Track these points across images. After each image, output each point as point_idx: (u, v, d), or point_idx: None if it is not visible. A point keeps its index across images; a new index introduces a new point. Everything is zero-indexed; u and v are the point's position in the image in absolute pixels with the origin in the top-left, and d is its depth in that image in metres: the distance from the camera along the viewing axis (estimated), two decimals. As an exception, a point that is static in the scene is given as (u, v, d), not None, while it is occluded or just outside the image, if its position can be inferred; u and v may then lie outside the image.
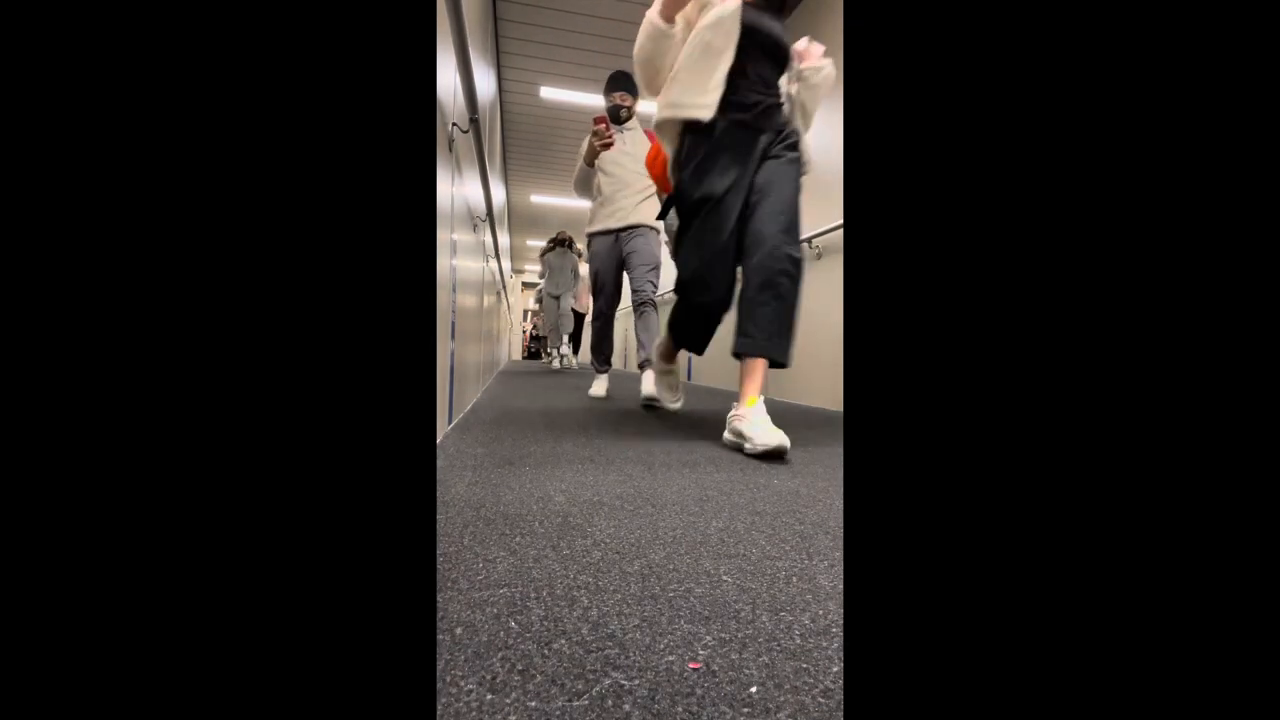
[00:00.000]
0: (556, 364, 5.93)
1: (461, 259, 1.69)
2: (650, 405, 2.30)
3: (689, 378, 4.77)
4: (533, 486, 0.96)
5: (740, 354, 1.36)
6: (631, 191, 2.54)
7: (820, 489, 1.02)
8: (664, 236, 2.53)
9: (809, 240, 2.83)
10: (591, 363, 2.85)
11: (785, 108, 1.47)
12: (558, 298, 5.93)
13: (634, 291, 2.54)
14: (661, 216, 1.76)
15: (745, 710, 0.37)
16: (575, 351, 6.82)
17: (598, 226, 2.59)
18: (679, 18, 1.36)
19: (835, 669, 0.43)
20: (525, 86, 4.47)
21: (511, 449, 1.29)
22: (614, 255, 2.60)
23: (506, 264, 6.89)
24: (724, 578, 0.60)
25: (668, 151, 1.50)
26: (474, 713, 0.36)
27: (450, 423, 1.58)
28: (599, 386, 2.79)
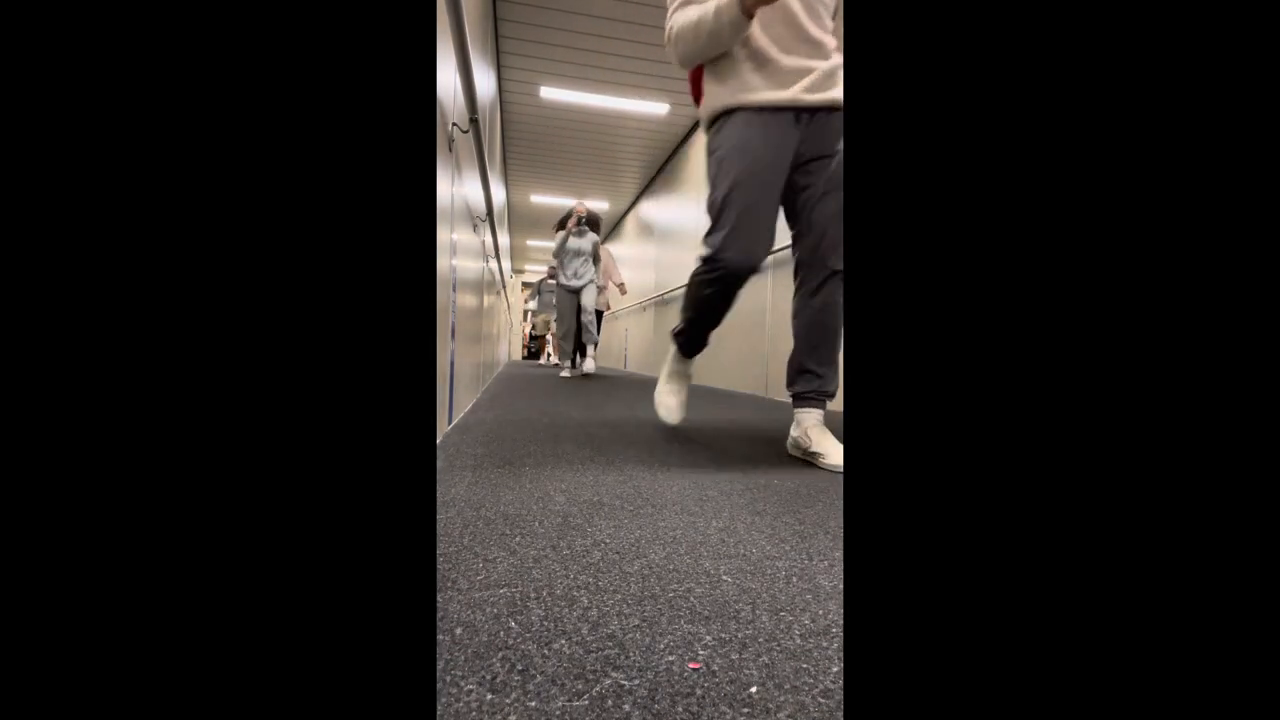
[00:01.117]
0: (566, 372, 4.67)
1: (461, 259, 1.69)
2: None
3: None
4: (533, 486, 0.96)
5: None
6: (806, 44, 1.22)
7: (820, 489, 1.02)
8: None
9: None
10: (676, 363, 1.48)
11: None
12: (576, 291, 4.47)
13: (822, 240, 1.23)
14: None
15: (745, 710, 0.37)
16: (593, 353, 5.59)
17: (752, 98, 1.22)
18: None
19: (835, 669, 0.43)
20: (525, 86, 4.47)
21: (511, 449, 1.29)
22: (781, 151, 1.22)
23: (506, 264, 6.72)
24: (724, 578, 0.60)
25: None
26: (474, 713, 0.36)
27: (450, 423, 1.58)
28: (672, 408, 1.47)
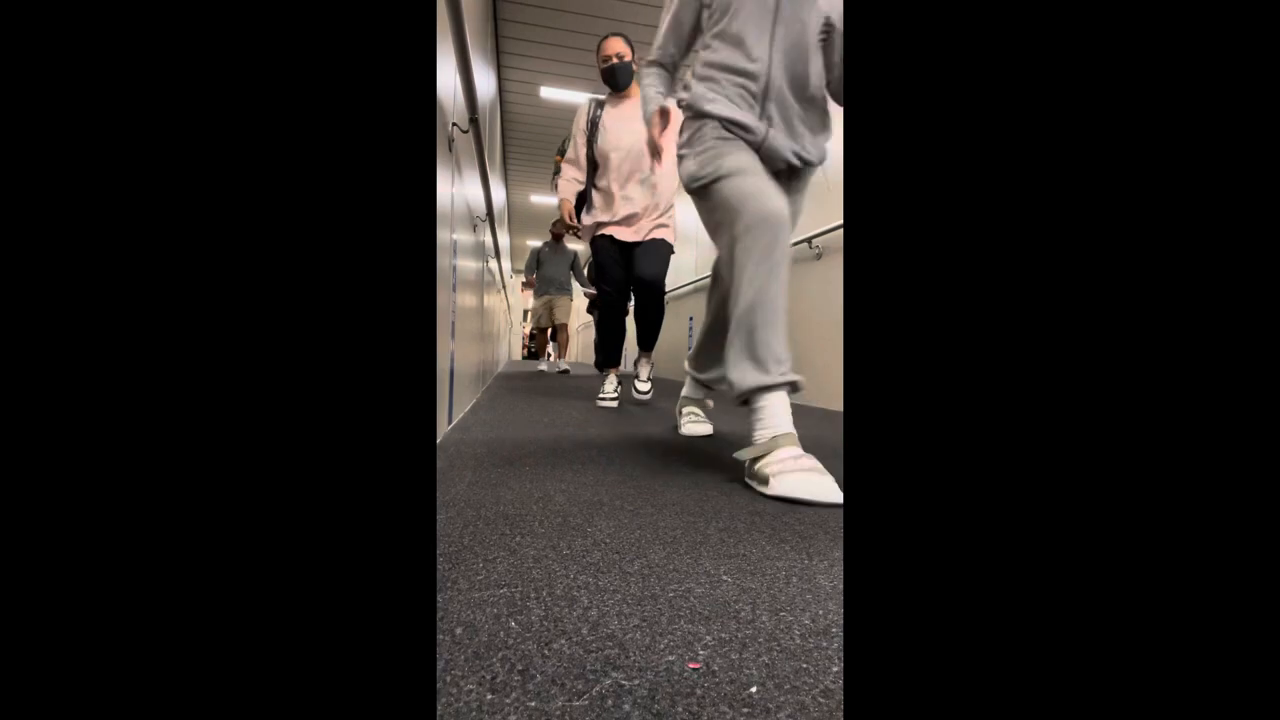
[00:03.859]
0: (644, 385, 2.47)
1: (461, 259, 1.69)
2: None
3: (689, 378, 4.76)
4: (533, 486, 0.96)
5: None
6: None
7: (820, 489, 1.01)
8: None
9: (809, 240, 2.83)
10: None
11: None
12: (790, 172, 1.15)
13: None
14: None
15: (745, 710, 0.37)
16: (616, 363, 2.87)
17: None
18: None
19: (835, 669, 0.43)
20: (525, 86, 4.48)
21: (511, 449, 1.29)
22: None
23: (506, 264, 6.33)
24: (724, 578, 0.60)
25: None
26: (474, 713, 0.36)
27: (450, 423, 1.58)
28: None
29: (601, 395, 2.33)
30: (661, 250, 2.25)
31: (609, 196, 2.22)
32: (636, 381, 2.45)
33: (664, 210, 2.28)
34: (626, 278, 2.25)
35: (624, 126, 2.19)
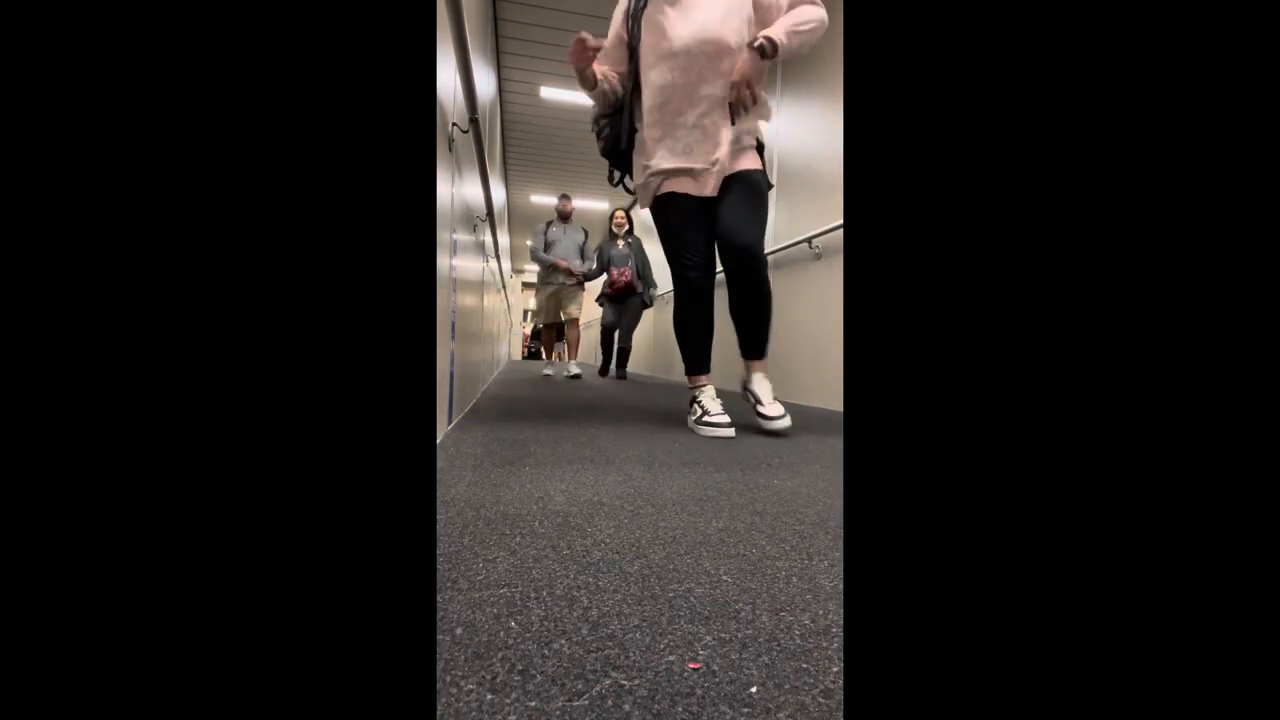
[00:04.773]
0: (774, 410, 1.61)
1: (461, 259, 1.69)
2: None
3: (689, 378, 4.73)
4: (533, 486, 0.96)
5: None
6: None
7: (820, 489, 1.01)
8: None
9: (809, 240, 2.83)
10: None
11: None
12: None
13: None
14: None
15: (745, 710, 0.37)
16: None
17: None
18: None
19: (835, 669, 0.43)
20: (525, 86, 4.48)
21: (511, 449, 1.29)
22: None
23: (506, 264, 6.26)
24: (724, 578, 0.60)
25: None
26: (474, 713, 0.36)
27: (450, 423, 1.58)
28: None
29: (707, 417, 1.53)
30: (752, 195, 1.48)
31: (664, 127, 1.49)
32: (760, 407, 1.58)
33: (746, 130, 1.51)
34: (710, 242, 1.54)
35: (684, 17, 1.43)
